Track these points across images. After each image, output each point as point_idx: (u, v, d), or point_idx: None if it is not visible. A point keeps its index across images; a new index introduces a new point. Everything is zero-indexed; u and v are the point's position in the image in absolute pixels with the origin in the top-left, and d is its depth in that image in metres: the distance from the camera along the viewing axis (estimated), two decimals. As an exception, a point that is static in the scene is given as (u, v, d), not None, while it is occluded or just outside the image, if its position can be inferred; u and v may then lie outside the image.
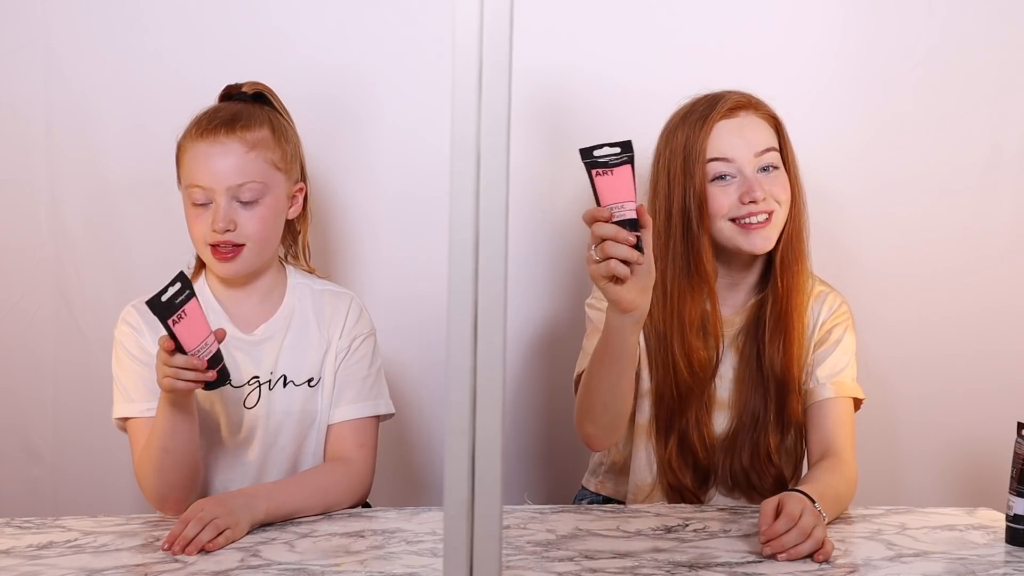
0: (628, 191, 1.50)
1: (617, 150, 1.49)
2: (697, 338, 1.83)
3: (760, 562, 1.50)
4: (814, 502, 1.56)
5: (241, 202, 1.75)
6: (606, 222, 1.50)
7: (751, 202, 1.77)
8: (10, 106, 2.22)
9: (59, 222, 2.24)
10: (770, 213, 1.79)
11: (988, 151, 2.31)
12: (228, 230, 1.74)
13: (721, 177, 1.79)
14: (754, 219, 1.79)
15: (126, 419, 1.77)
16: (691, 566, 1.47)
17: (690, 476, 1.86)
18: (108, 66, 2.20)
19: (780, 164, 1.82)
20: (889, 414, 2.34)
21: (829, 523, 1.63)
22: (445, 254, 0.94)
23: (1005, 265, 2.34)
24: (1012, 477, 1.58)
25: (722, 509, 1.76)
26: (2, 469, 2.27)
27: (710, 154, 1.78)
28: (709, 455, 1.86)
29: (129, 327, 1.78)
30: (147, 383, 1.73)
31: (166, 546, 1.53)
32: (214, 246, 1.75)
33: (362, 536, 1.61)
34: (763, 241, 1.80)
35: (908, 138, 2.29)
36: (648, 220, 1.52)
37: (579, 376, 1.80)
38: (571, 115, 2.25)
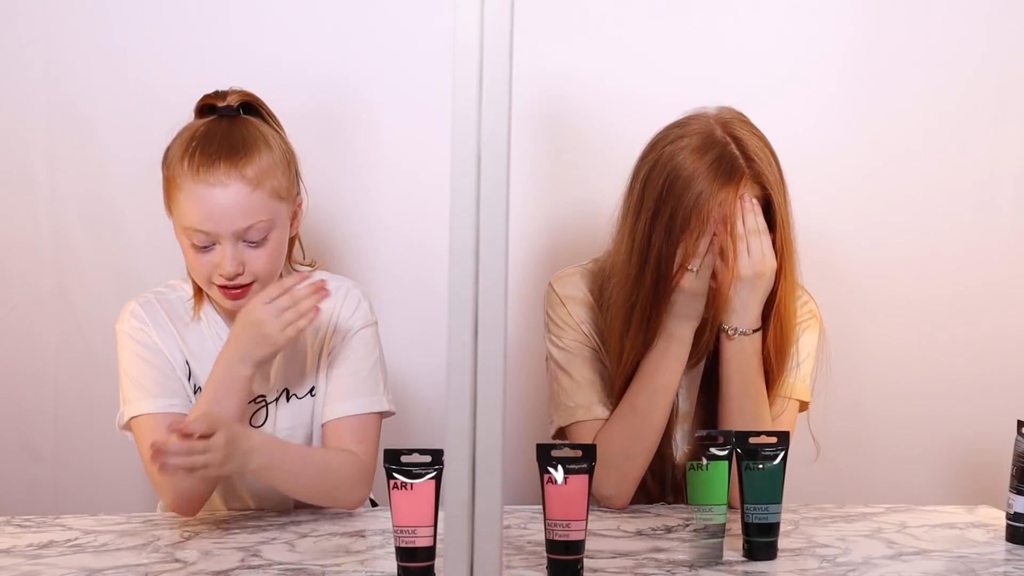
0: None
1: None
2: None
3: (760, 562, 1.50)
4: None
5: (247, 243, 1.66)
6: None
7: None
8: (10, 106, 2.22)
9: (59, 222, 2.24)
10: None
11: (987, 157, 2.32)
12: (238, 273, 1.65)
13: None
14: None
15: (134, 417, 1.69)
16: (691, 566, 1.47)
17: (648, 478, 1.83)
18: (108, 66, 2.21)
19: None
20: (889, 412, 2.35)
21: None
22: (446, 258, 0.94)
23: (1007, 258, 2.34)
24: (1012, 475, 1.58)
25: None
26: (2, 468, 2.27)
27: (694, 222, 1.68)
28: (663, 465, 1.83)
29: (136, 323, 1.72)
30: (155, 380, 1.69)
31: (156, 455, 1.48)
32: (221, 287, 1.67)
33: (362, 536, 1.61)
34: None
35: (906, 147, 2.30)
36: None
37: (561, 430, 1.82)
38: (572, 120, 2.25)
